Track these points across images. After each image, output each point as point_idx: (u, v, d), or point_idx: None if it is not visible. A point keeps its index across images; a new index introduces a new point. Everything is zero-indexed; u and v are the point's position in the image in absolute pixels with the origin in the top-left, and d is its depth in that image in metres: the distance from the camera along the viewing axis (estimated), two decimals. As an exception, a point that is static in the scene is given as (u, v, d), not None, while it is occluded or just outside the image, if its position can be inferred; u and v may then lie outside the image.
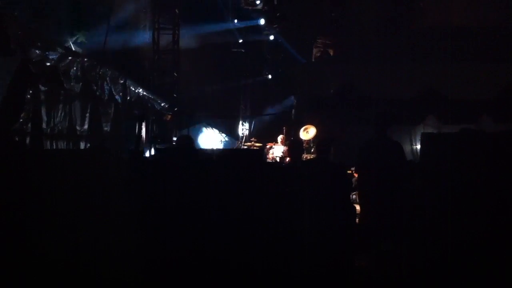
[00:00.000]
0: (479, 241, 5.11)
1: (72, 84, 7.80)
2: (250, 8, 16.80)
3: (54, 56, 7.23)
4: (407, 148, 12.43)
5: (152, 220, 6.00)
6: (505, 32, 13.09)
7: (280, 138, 13.19)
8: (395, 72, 12.77)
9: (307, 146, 12.78)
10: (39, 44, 6.78)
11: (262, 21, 16.46)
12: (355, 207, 6.58)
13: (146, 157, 9.54)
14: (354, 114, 13.04)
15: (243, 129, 18.27)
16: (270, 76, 18.64)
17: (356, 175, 7.65)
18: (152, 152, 11.35)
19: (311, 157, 11.59)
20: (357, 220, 6.46)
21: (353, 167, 7.82)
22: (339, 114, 13.46)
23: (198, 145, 14.60)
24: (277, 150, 12.83)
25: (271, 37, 17.16)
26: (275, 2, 15.88)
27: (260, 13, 16.71)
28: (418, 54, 13.27)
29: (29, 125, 6.96)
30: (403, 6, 14.26)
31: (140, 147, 9.69)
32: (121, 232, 5.73)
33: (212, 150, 6.84)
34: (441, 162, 5.52)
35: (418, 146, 12.22)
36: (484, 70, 12.22)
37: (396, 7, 14.29)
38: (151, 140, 12.18)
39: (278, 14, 16.03)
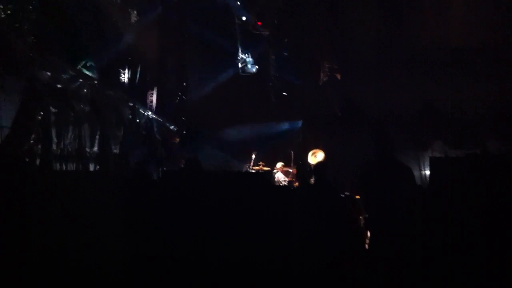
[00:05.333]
0: (488, 263, 5.07)
1: (82, 106, 7.87)
2: (256, 32, 17.04)
3: (65, 78, 7.32)
4: (415, 173, 12.35)
5: (158, 242, 5.99)
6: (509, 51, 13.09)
7: (279, 165, 13.12)
8: (400, 93, 12.81)
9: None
10: (49, 65, 6.87)
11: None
12: (356, 234, 6.54)
13: (154, 179, 9.53)
14: (358, 136, 13.06)
15: (250, 152, 18.25)
16: (277, 100, 18.70)
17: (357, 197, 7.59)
18: (160, 174, 11.35)
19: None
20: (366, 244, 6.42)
21: (356, 190, 7.76)
22: (344, 137, 13.50)
23: (205, 167, 14.57)
24: (284, 174, 12.81)
25: (278, 56, 17.33)
26: (281, 27, 16.10)
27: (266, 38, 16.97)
28: (421, 74, 13.29)
29: (39, 146, 7.00)
30: (406, 28, 14.33)
31: (147, 169, 9.70)
32: (126, 252, 5.72)
33: (220, 172, 6.83)
34: (450, 186, 5.49)
35: (427, 172, 12.14)
36: (488, 90, 12.21)
37: (397, 30, 14.36)
38: (159, 163, 12.19)
39: (286, 40, 16.22)
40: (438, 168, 6.07)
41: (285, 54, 17.14)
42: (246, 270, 5.81)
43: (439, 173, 5.95)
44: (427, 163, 12.00)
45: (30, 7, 10.64)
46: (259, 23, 16.82)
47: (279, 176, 12.81)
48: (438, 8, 13.83)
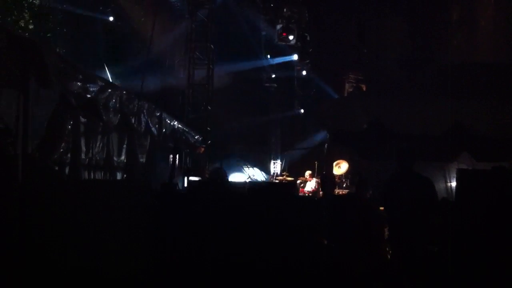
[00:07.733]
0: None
1: (110, 116, 8.01)
2: (283, 44, 17.17)
3: (94, 89, 7.46)
4: (441, 185, 12.18)
5: (183, 250, 6.06)
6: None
7: (307, 174, 13.16)
8: (425, 108, 12.67)
9: (339, 181, 12.71)
10: (80, 76, 7.02)
11: (295, 57, 16.81)
12: (383, 245, 6.51)
13: (179, 189, 9.65)
14: (383, 150, 12.93)
15: (274, 163, 18.34)
16: (302, 111, 18.78)
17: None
18: (185, 184, 11.49)
19: (343, 192, 11.52)
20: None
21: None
22: (369, 150, 13.39)
23: (230, 178, 14.68)
24: (309, 185, 12.81)
25: (304, 72, 17.42)
26: (308, 39, 16.17)
27: (293, 49, 17.07)
28: (448, 90, 13.12)
29: (69, 155, 7.17)
30: (432, 43, 14.23)
31: (174, 179, 9.83)
32: (151, 261, 5.80)
33: (245, 183, 6.89)
34: (477, 198, 5.44)
35: (453, 184, 11.96)
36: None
37: (424, 44, 14.27)
38: (185, 172, 12.33)
39: (311, 50, 16.28)
40: (464, 180, 6.02)
41: (310, 65, 17.26)
42: (271, 280, 5.84)
43: (466, 185, 5.90)
44: (453, 175, 11.85)
45: (62, 19, 10.98)
46: (284, 34, 16.96)
47: (307, 186, 12.84)
48: (467, 25, 13.73)
